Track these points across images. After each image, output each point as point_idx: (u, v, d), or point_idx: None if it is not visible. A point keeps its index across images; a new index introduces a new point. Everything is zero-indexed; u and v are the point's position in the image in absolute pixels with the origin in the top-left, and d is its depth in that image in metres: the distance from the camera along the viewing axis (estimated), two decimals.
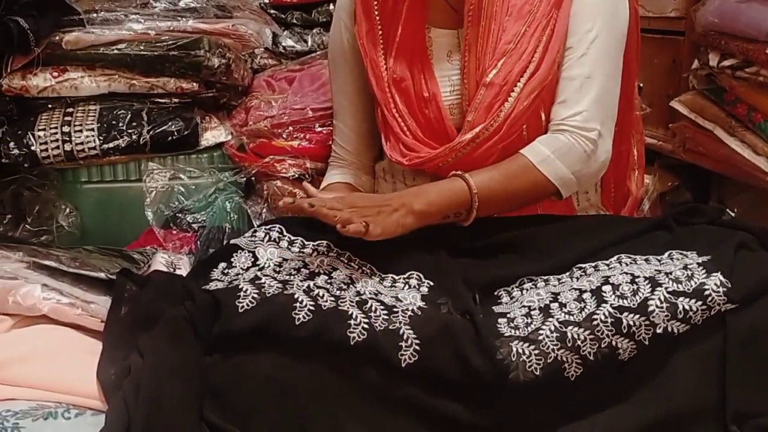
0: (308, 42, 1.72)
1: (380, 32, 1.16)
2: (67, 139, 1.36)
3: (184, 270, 1.21)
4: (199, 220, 1.40)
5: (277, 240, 1.03)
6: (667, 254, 0.97)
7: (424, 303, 0.96)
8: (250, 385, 0.90)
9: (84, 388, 0.93)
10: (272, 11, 1.70)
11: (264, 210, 1.44)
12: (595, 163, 1.12)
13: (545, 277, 1.00)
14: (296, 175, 1.42)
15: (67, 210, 1.39)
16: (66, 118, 1.38)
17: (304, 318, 0.90)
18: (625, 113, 1.25)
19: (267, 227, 1.04)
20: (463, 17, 1.14)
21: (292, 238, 1.03)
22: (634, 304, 0.90)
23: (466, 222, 1.07)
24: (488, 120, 1.09)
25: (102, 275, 1.03)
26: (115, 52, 1.38)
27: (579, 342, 0.89)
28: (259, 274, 0.96)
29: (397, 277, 1.01)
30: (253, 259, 1.00)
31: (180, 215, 1.40)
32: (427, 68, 1.15)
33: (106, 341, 0.99)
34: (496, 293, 1.00)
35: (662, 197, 1.52)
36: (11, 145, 1.35)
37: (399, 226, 1.01)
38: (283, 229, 1.04)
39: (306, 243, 1.03)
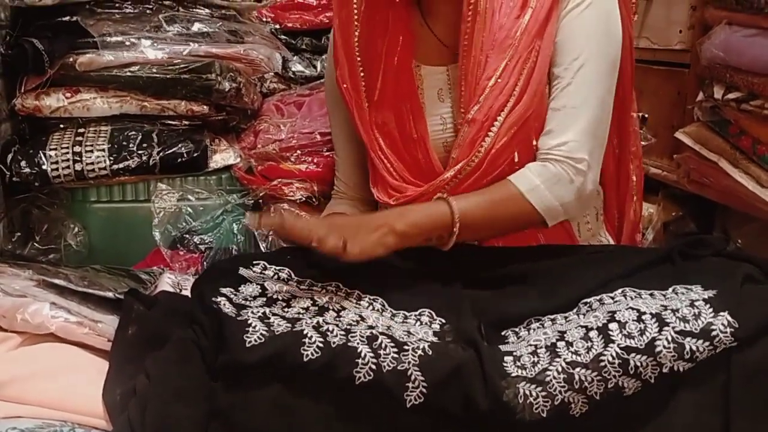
0: (317, 67, 1.75)
1: (362, 74, 1.16)
2: (78, 159, 1.36)
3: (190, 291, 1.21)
4: (206, 241, 1.41)
5: (285, 280, 1.03)
6: (671, 289, 0.96)
7: (436, 338, 0.96)
8: (256, 409, 0.90)
9: (90, 407, 0.92)
10: (282, 37, 1.72)
11: (270, 232, 1.43)
12: (582, 194, 1.11)
13: (552, 316, 0.99)
14: (303, 198, 1.43)
15: (76, 229, 1.39)
16: (77, 138, 1.39)
17: (312, 355, 0.90)
18: (623, 141, 1.25)
19: (277, 268, 1.04)
20: (453, 53, 1.13)
21: (301, 279, 1.03)
22: (641, 345, 0.89)
23: (446, 246, 1.05)
24: (470, 156, 1.09)
25: (110, 294, 1.04)
26: (128, 74, 1.39)
27: (586, 383, 0.88)
28: (268, 311, 0.95)
29: (408, 314, 1.01)
30: (261, 290, 1.00)
31: (187, 236, 1.40)
32: (416, 109, 1.15)
33: (113, 361, 0.99)
34: (503, 333, 0.99)
35: (666, 227, 1.52)
36: (23, 164, 1.35)
37: (379, 245, 0.99)
38: (292, 273, 1.04)
39: (315, 283, 1.03)
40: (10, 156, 1.36)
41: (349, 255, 0.97)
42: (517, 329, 1.00)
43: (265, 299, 0.99)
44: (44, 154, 1.36)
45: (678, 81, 1.54)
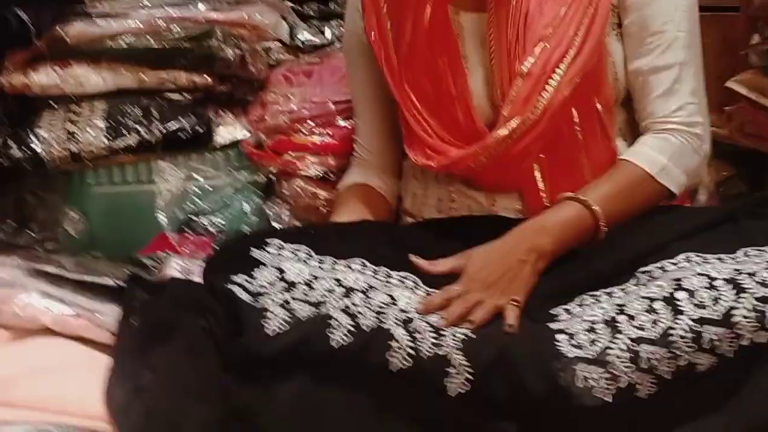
0: (326, 34, 1.64)
1: (389, 24, 1.06)
2: (73, 138, 1.29)
3: (199, 277, 1.11)
4: (216, 223, 1.34)
5: (305, 260, 0.94)
6: (741, 252, 0.87)
7: None
8: (279, 405, 0.82)
9: (90, 409, 0.85)
10: (288, 3, 1.62)
11: (285, 212, 1.36)
12: (702, 159, 1.06)
13: (608, 290, 0.90)
14: (319, 174, 1.34)
15: (74, 215, 1.32)
16: (71, 116, 1.31)
17: (342, 340, 0.81)
18: None
19: (293, 247, 0.95)
20: None
21: (321, 257, 0.94)
22: (717, 316, 0.80)
23: (586, 246, 0.98)
24: (526, 113, 0.99)
25: (109, 281, 0.95)
26: (122, 45, 1.33)
27: (654, 362, 0.80)
28: (288, 297, 0.87)
29: None
30: (278, 274, 0.91)
31: (195, 218, 1.33)
32: (455, 62, 1.05)
33: (116, 356, 0.91)
34: (552, 311, 0.91)
35: (717, 188, 1.42)
36: (12, 146, 1.28)
37: (533, 276, 0.93)
38: (311, 251, 0.95)
39: (337, 261, 0.94)
40: None
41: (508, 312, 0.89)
42: (568, 306, 0.91)
43: (284, 284, 0.90)
44: (36, 135, 1.28)
45: (724, 26, 1.44)
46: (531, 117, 0.99)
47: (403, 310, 0.86)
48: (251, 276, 0.91)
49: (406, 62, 1.06)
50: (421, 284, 0.93)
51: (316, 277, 0.91)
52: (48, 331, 0.93)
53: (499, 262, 0.93)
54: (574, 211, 0.98)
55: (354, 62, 1.20)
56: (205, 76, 1.35)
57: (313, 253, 0.95)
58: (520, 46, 1.02)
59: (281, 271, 0.91)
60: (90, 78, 1.32)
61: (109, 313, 0.94)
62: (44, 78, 1.31)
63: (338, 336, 0.82)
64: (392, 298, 0.89)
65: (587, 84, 1.01)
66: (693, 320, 0.80)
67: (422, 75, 1.05)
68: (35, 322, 0.92)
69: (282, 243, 0.96)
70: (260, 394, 0.82)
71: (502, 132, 1.00)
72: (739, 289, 0.81)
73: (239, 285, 0.89)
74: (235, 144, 1.39)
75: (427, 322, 0.84)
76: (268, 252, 0.94)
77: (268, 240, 0.96)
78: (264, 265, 0.92)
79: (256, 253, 0.94)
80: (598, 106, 1.04)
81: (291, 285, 0.90)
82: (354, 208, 1.14)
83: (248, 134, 1.40)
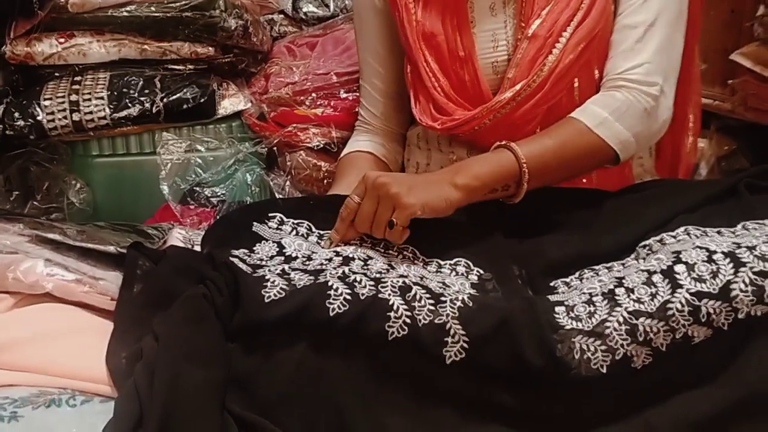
0: (330, 7, 1.62)
1: None
2: (76, 108, 1.28)
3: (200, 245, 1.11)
4: (219, 194, 1.32)
5: (305, 235, 0.94)
6: (740, 225, 0.86)
7: (474, 291, 0.86)
8: (279, 371, 0.81)
9: (92, 372, 0.84)
10: None
11: (287, 183, 1.36)
12: (655, 122, 1.01)
13: (607, 264, 0.89)
14: (321, 145, 1.34)
15: (78, 186, 1.31)
16: (74, 87, 1.30)
17: (339, 308, 0.80)
18: (685, 71, 1.12)
19: (295, 222, 0.95)
20: None
21: (322, 233, 0.95)
22: (714, 289, 0.79)
23: (516, 198, 0.96)
24: (531, 76, 0.98)
25: (111, 249, 0.94)
26: (125, 14, 1.30)
27: (651, 335, 0.78)
28: (287, 267, 0.86)
29: (442, 263, 0.91)
30: (278, 248, 0.91)
31: (197, 189, 1.32)
32: (462, 23, 1.04)
33: (117, 321, 0.91)
34: (551, 284, 0.90)
35: (718, 163, 1.40)
36: (16, 115, 1.27)
37: (439, 198, 0.89)
38: (312, 225, 0.95)
39: None
40: (2, 108, 1.28)
41: (406, 205, 0.87)
42: (567, 279, 0.90)
43: (283, 258, 0.90)
44: (39, 105, 1.28)
45: None
46: (536, 80, 0.99)
47: (401, 275, 0.85)
48: (251, 250, 0.91)
49: (425, 13, 1.05)
50: (418, 254, 0.93)
51: (315, 251, 0.91)
52: (51, 298, 0.92)
53: (409, 177, 0.94)
54: (497, 153, 0.95)
55: (364, 23, 1.18)
56: (207, 46, 1.34)
57: (313, 228, 0.95)
58: (528, 9, 1.01)
59: (281, 246, 0.91)
60: (92, 48, 1.31)
61: (112, 281, 0.93)
62: (47, 48, 1.29)
63: (336, 304, 0.81)
64: (391, 266, 0.89)
65: (593, 49, 1.00)
66: (691, 294, 0.79)
67: (438, 30, 1.05)
68: (38, 288, 0.91)
69: (283, 218, 0.96)
70: (261, 361, 0.82)
71: (508, 95, 0.99)
72: (738, 262, 0.79)
73: (238, 258, 0.89)
74: (237, 115, 1.38)
75: (426, 288, 0.83)
76: (269, 226, 0.94)
77: (270, 214, 0.96)
78: (265, 240, 0.92)
79: (257, 227, 0.94)
80: (596, 74, 1.03)
81: (290, 258, 0.90)
82: (355, 177, 1.13)
83: (251, 105, 1.39)
